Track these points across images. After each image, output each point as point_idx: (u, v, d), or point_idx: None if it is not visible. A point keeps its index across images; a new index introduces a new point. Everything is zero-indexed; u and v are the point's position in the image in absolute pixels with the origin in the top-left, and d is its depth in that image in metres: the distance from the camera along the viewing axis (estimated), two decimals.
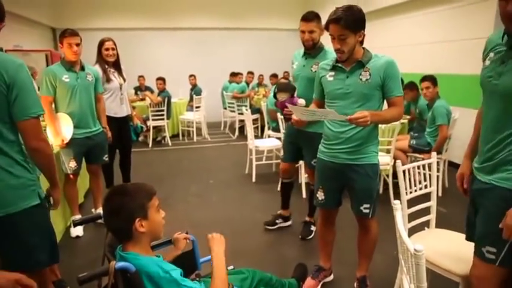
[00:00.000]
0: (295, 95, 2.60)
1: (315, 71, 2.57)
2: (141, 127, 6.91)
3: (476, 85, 5.25)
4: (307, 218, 3.21)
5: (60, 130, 2.98)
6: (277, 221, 3.24)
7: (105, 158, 3.35)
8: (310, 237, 3.08)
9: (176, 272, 1.29)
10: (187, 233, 1.69)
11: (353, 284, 2.36)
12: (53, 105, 3.03)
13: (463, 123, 4.49)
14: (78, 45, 2.94)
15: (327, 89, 2.09)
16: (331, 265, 2.47)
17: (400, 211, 1.39)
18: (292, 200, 3.34)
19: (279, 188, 3.61)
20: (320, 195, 2.24)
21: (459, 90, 5.07)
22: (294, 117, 2.09)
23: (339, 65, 2.02)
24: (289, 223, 3.29)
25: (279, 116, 3.98)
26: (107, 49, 3.54)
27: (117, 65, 3.72)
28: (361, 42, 1.98)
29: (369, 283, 2.29)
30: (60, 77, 2.93)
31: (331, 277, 2.50)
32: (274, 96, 2.70)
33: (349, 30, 1.86)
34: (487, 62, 1.50)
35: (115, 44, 3.62)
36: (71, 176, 3.09)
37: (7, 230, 1.54)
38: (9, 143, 1.52)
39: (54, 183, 1.73)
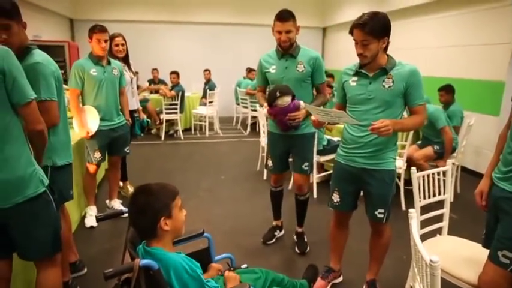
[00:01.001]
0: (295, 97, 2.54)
1: (302, 71, 2.61)
2: (147, 121, 6.90)
3: (494, 91, 5.23)
4: (298, 229, 3.02)
5: (86, 122, 3.08)
6: (275, 233, 3.09)
7: (127, 150, 3.46)
8: (307, 250, 2.92)
9: (200, 270, 1.37)
10: (203, 232, 1.73)
11: (362, 287, 2.38)
12: (80, 98, 3.13)
13: (478, 129, 4.46)
14: (106, 41, 3.06)
15: (349, 94, 2.10)
16: (341, 267, 2.50)
17: (415, 219, 1.40)
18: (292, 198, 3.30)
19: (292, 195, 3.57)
20: (335, 197, 2.26)
21: (476, 95, 5.01)
22: (313, 117, 2.10)
23: (363, 70, 2.03)
24: (282, 232, 3.16)
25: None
26: (117, 45, 3.62)
27: (126, 60, 3.80)
28: (385, 49, 1.98)
29: (378, 287, 2.32)
30: (88, 70, 3.03)
31: (341, 278, 2.53)
32: (272, 102, 2.51)
33: (373, 37, 1.86)
34: None
35: (124, 40, 3.70)
36: (93, 167, 3.19)
37: (16, 220, 1.58)
38: (19, 130, 1.56)
39: (40, 160, 1.75)
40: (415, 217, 1.41)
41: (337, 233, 2.41)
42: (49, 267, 1.75)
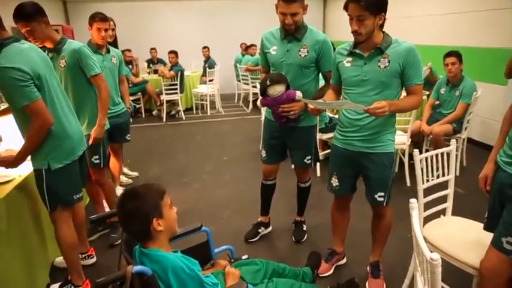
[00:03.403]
0: (290, 87, 2.31)
1: (305, 56, 2.33)
2: (134, 106, 6.79)
3: (502, 59, 5.02)
4: (297, 218, 2.94)
5: None
6: (259, 230, 2.86)
7: (128, 137, 3.45)
8: (304, 239, 2.84)
9: (198, 268, 1.36)
10: (201, 226, 1.71)
11: (366, 268, 2.38)
12: None
13: (485, 99, 4.34)
14: (106, 30, 3.01)
15: (343, 76, 2.02)
16: (344, 249, 2.50)
17: (416, 210, 1.36)
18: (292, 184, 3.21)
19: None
20: (334, 181, 2.22)
21: (482, 64, 4.84)
22: (311, 106, 2.00)
23: (357, 50, 1.93)
24: (269, 229, 2.94)
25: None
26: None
27: (115, 45, 3.72)
28: (381, 26, 1.87)
29: (381, 268, 2.31)
30: None
31: (344, 260, 2.53)
32: (264, 92, 2.31)
33: (369, 12, 1.75)
34: None
35: (115, 24, 3.61)
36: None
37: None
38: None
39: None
40: (416, 208, 1.36)
41: (339, 216, 2.38)
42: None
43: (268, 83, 2.26)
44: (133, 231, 1.35)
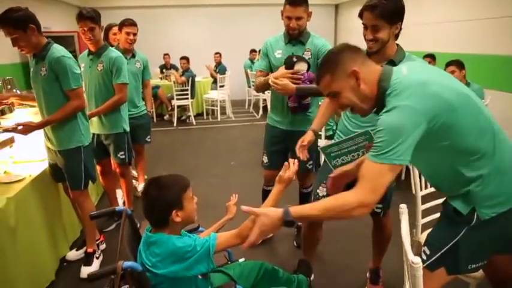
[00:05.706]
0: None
1: (309, 59, 2.40)
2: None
3: (509, 66, 4.87)
4: (299, 223, 2.90)
5: None
6: None
7: (148, 138, 3.69)
8: None
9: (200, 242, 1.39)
10: (198, 227, 1.76)
11: (365, 274, 2.38)
12: None
13: (494, 107, 4.28)
14: (135, 34, 3.24)
15: None
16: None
17: (406, 215, 1.38)
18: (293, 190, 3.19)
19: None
20: (321, 190, 2.18)
21: (491, 71, 4.78)
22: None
23: None
24: (271, 234, 2.88)
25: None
26: (115, 34, 3.61)
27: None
28: (396, 36, 1.79)
29: (381, 275, 2.31)
30: None
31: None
32: (290, 67, 2.37)
33: (385, 21, 1.68)
34: None
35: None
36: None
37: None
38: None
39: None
40: (405, 213, 1.39)
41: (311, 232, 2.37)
42: None
43: (295, 59, 2.35)
44: (153, 219, 1.41)
